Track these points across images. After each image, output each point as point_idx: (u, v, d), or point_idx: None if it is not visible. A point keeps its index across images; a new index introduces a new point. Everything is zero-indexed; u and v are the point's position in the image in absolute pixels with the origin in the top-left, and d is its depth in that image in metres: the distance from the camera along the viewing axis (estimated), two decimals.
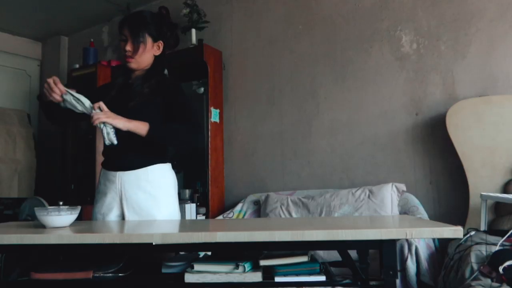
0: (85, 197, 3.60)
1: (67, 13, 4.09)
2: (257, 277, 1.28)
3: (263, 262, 1.33)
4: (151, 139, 1.61)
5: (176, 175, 1.83)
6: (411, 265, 1.99)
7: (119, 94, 1.76)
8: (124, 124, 1.58)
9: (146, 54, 1.73)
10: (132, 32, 1.70)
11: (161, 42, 1.77)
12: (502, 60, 2.45)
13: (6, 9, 3.95)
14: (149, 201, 1.67)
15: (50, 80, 1.63)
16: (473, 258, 1.72)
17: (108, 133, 1.58)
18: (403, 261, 2.00)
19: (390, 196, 2.51)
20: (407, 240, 2.05)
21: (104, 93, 1.78)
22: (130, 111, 1.65)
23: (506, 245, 1.72)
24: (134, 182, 1.68)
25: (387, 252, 1.19)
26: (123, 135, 1.64)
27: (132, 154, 1.69)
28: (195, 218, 3.06)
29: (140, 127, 1.59)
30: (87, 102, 1.62)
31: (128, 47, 1.70)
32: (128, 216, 1.69)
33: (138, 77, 1.77)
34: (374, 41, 2.85)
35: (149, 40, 1.73)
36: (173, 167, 1.82)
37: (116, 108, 1.64)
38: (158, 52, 1.77)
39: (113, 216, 1.72)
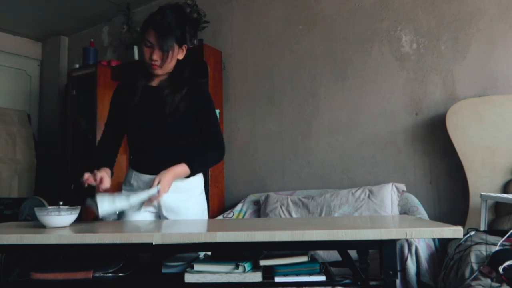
0: (85, 197, 3.59)
1: (67, 13, 4.10)
2: (257, 277, 1.28)
3: (263, 262, 1.33)
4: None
5: None
6: (411, 265, 1.99)
7: (144, 99, 1.74)
8: (172, 183, 1.64)
9: (172, 61, 1.70)
10: (159, 40, 1.63)
11: (185, 46, 1.74)
12: (502, 60, 2.45)
13: (6, 9, 3.95)
14: (186, 201, 1.76)
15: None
16: (473, 258, 1.72)
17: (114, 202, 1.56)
18: (403, 261, 2.00)
19: (390, 196, 2.51)
20: (407, 240, 2.05)
21: (125, 98, 1.76)
22: (165, 124, 1.69)
23: (506, 245, 1.72)
24: (172, 185, 1.71)
25: (387, 252, 1.19)
26: (168, 146, 1.72)
27: (170, 161, 1.71)
28: None
29: (182, 174, 1.67)
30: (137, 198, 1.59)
31: (156, 56, 1.65)
32: (166, 216, 1.75)
33: (163, 82, 1.75)
34: (374, 41, 2.85)
35: (175, 47, 1.68)
36: None
37: (146, 117, 1.70)
38: (182, 56, 1.75)
39: (144, 216, 1.75)
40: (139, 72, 1.77)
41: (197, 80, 1.88)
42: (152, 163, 1.72)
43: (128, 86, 1.78)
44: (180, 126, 1.72)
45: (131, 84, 1.77)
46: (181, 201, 1.74)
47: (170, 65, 1.71)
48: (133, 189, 1.75)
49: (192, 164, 1.68)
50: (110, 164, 1.78)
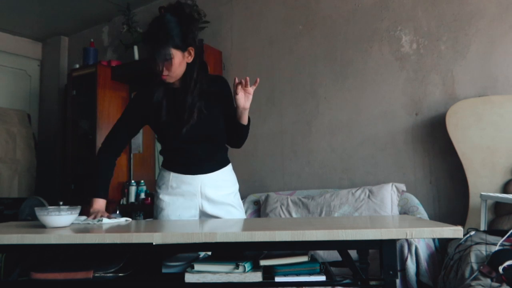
0: (85, 197, 3.59)
1: (67, 13, 4.10)
2: (257, 277, 1.28)
3: (263, 262, 1.33)
4: None
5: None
6: (411, 265, 1.99)
7: (171, 102, 1.73)
8: None
9: (180, 67, 1.67)
10: (155, 52, 1.61)
11: (191, 48, 1.68)
12: (502, 60, 2.45)
13: (6, 9, 3.95)
14: (228, 196, 1.84)
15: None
16: (473, 258, 1.72)
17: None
18: (403, 261, 2.00)
19: (390, 196, 2.51)
20: (407, 240, 2.05)
21: (149, 101, 1.74)
22: (195, 126, 1.70)
23: (506, 245, 1.72)
24: (214, 183, 1.78)
25: (387, 252, 1.19)
26: (204, 145, 1.76)
27: (211, 161, 1.80)
28: None
29: None
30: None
31: (160, 68, 1.64)
32: (210, 212, 1.79)
33: (179, 89, 1.74)
34: (374, 41, 2.85)
35: (177, 54, 1.63)
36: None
37: (176, 121, 1.70)
38: (190, 59, 1.70)
39: (189, 215, 1.78)
40: (156, 83, 1.75)
41: (210, 75, 1.88)
42: (195, 164, 1.76)
43: (150, 91, 1.76)
44: (209, 125, 1.74)
45: (152, 88, 1.75)
46: (225, 197, 1.83)
47: (179, 71, 1.68)
48: (173, 192, 1.77)
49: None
50: (109, 178, 1.81)
